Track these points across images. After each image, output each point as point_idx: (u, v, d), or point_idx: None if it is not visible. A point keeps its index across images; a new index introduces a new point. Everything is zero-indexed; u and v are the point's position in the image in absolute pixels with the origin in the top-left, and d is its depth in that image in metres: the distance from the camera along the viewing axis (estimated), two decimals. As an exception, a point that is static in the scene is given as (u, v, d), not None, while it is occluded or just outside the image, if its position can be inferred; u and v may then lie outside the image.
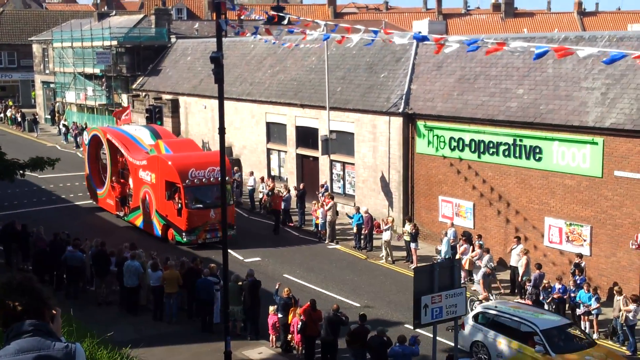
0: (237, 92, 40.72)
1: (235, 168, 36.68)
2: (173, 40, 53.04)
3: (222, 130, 18.01)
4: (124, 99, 53.85)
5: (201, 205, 28.94)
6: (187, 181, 28.43)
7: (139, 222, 31.76)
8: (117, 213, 33.61)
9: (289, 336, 20.10)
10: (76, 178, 42.92)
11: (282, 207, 32.51)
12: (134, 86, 52.35)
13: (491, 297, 22.63)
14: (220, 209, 26.94)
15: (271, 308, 20.54)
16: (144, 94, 50.75)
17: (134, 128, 35.81)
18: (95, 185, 35.63)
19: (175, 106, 47.65)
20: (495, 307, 20.01)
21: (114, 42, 52.69)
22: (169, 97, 48.13)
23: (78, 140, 54.13)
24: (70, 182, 42.00)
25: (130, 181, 32.74)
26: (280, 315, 20.18)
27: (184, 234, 28.65)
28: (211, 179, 28.82)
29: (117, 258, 23.79)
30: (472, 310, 20.54)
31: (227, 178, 27.66)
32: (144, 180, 30.74)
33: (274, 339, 20.53)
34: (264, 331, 20.86)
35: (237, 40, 45.09)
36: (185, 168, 28.72)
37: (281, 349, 20.23)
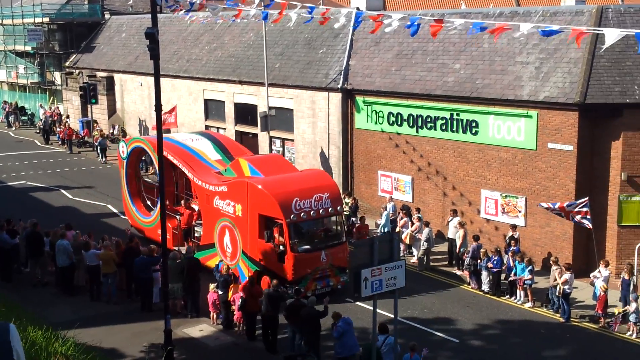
0: (173, 69, 40.11)
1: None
2: (107, 16, 51.89)
3: (158, 108, 17.69)
4: (57, 76, 52.52)
5: (309, 247, 21.72)
6: (291, 216, 21.16)
7: (214, 262, 22.76)
8: (175, 248, 24.57)
9: (231, 311, 20.03)
10: (8, 158, 41.86)
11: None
12: (67, 64, 51.15)
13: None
14: (332, 249, 21.72)
15: (211, 285, 20.45)
16: (77, 71, 49.61)
17: (190, 138, 27.15)
18: (138, 210, 27.71)
19: (110, 84, 46.72)
20: None
21: (46, 19, 51.33)
22: (104, 74, 47.13)
23: (10, 119, 52.76)
24: (3, 163, 40.84)
25: (196, 209, 25.74)
26: (220, 293, 20.09)
27: (287, 285, 20.85)
28: (320, 211, 21.79)
29: (52, 239, 23.30)
30: None
31: (338, 208, 22.49)
32: (223, 212, 22.98)
33: (215, 316, 20.43)
34: (205, 309, 20.74)
35: (173, 16, 44.26)
36: (288, 198, 21.33)
37: (222, 326, 20.15)
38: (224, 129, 37.21)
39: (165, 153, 24.79)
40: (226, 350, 19.01)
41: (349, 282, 20.73)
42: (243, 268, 22.34)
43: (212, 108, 38.32)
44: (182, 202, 25.96)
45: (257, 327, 19.48)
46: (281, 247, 21.52)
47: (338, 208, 22.33)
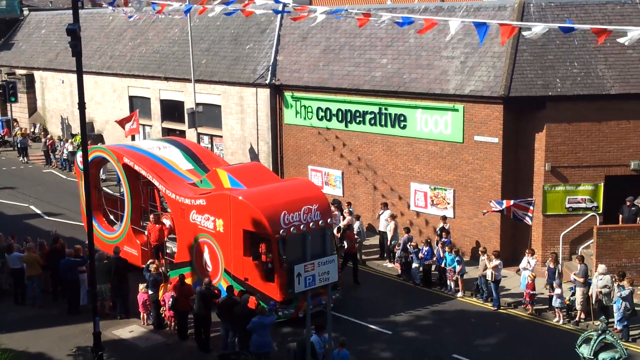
0: (96, 65, 39.17)
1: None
2: (26, 12, 50.37)
3: (82, 106, 17.24)
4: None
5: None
6: (280, 231, 19.38)
7: (189, 282, 20.52)
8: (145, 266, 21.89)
9: (162, 311, 19.68)
10: None
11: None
12: (-16, 61, 49.38)
13: None
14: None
15: (141, 286, 20.03)
16: (-5, 69, 47.96)
17: (157, 146, 24.75)
18: (99, 225, 24.74)
19: (30, 81, 45.45)
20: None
21: (-40, 15, 49.43)
22: (23, 72, 45.78)
23: None
24: None
25: (168, 224, 23.52)
26: (150, 292, 19.71)
27: (277, 305, 19.51)
28: (310, 224, 19.90)
29: (-26, 242, 22.47)
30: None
31: (328, 221, 20.78)
32: (202, 227, 21.01)
33: (145, 316, 20.04)
34: (135, 309, 20.32)
35: (95, 12, 43.29)
36: (275, 212, 19.52)
37: (153, 326, 19.78)
38: (150, 126, 36.59)
39: (131, 163, 23.53)
40: (158, 350, 18.68)
41: (340, 298, 20.82)
42: (225, 288, 20.16)
43: (138, 105, 37.56)
44: (151, 216, 23.47)
45: (189, 326, 19.21)
46: (269, 265, 19.78)
47: (328, 220, 20.64)
